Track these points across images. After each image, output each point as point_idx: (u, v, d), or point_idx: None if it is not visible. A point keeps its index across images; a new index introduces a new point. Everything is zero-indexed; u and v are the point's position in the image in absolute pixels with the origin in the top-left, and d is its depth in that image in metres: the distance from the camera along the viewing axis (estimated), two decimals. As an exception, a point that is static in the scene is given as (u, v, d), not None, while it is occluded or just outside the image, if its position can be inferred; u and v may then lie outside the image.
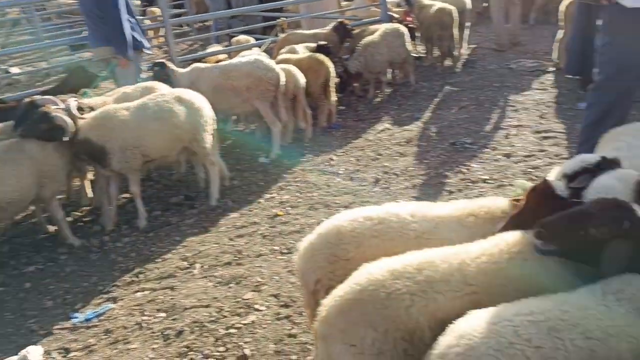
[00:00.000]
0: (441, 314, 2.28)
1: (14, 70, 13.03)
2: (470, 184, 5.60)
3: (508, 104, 7.68)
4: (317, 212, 5.48)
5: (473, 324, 2.09)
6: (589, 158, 2.85)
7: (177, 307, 4.23)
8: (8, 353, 3.91)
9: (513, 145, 6.33)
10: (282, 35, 9.58)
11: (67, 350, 3.92)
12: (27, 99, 5.15)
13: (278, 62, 7.18)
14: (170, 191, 6.42)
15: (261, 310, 4.08)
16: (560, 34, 8.56)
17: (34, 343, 3.98)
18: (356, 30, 9.30)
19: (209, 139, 5.70)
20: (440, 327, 2.22)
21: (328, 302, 2.43)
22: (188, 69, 6.71)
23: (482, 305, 2.24)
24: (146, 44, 7.17)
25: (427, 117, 7.67)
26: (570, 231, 2.30)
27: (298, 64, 7.27)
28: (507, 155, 6.08)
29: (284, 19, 10.85)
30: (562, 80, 8.28)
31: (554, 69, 8.80)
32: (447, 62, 9.73)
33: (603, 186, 2.56)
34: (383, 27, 8.81)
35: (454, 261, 2.41)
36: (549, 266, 2.39)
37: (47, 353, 3.89)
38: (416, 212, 2.88)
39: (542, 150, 6.08)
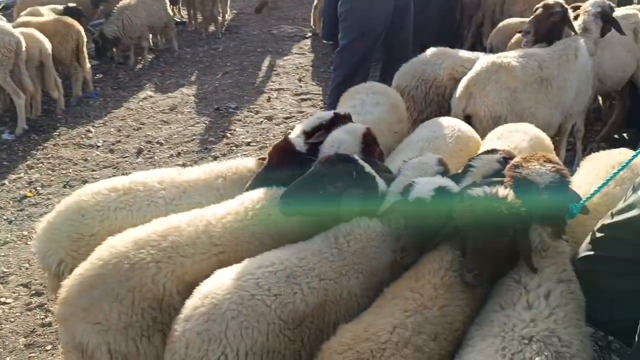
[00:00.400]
0: (189, 278, 2.28)
1: None
2: (234, 147, 5.69)
3: (270, 69, 7.93)
4: (74, 189, 5.00)
5: (217, 282, 2.13)
6: (325, 115, 3.06)
7: None
8: None
9: (274, 108, 6.57)
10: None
11: None
12: None
13: (17, 26, 6.36)
14: None
15: (8, 303, 3.67)
16: (315, 1, 9.03)
17: None
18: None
19: None
20: (189, 290, 2.21)
21: (68, 282, 2.26)
22: None
23: (231, 264, 2.30)
24: None
25: (191, 83, 7.54)
26: (311, 193, 2.45)
27: (42, 27, 6.51)
28: (269, 118, 6.29)
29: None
30: (319, 45, 8.80)
31: (312, 34, 9.29)
32: (211, 28, 9.64)
33: (335, 140, 2.77)
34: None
35: (200, 224, 2.42)
36: (292, 220, 2.52)
37: None
38: (164, 179, 2.81)
39: (300, 112, 6.42)
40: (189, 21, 9.97)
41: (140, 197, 2.70)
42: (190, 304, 2.09)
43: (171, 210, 2.68)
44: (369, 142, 2.82)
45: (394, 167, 2.86)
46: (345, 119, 3.02)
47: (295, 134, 3.07)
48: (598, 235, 2.32)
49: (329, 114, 3.09)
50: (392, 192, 2.63)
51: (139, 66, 8.24)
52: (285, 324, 2.10)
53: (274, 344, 2.06)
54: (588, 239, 2.38)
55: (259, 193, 2.62)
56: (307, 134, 2.96)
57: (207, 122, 6.35)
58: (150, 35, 8.55)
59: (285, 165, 2.72)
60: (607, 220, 2.31)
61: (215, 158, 5.51)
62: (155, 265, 2.23)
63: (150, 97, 7.14)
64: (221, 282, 2.12)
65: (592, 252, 2.32)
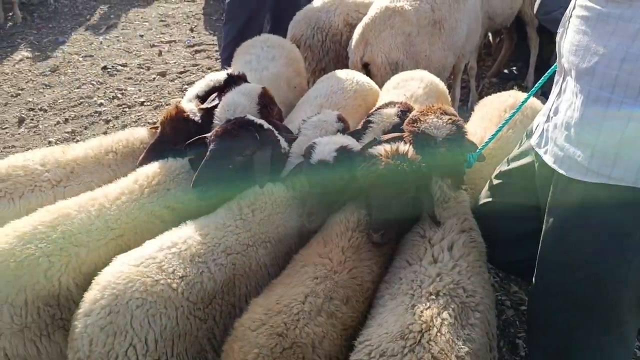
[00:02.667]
0: (87, 268, 2.13)
1: None
2: (127, 109, 5.36)
3: (159, 19, 7.46)
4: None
5: (117, 271, 2.00)
6: (217, 76, 2.90)
7: None
8: None
9: (167, 63, 6.22)
10: None
11: None
12: None
13: None
14: None
15: None
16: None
17: None
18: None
19: None
20: (88, 282, 2.07)
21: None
22: None
23: (131, 248, 2.17)
24: None
25: (72, 41, 6.95)
26: (221, 171, 2.33)
27: None
28: (162, 74, 5.96)
29: None
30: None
31: (200, -21, 8.80)
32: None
33: (230, 104, 2.64)
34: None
35: (92, 208, 2.25)
36: (190, 191, 2.40)
37: None
38: (47, 160, 2.57)
39: (195, 65, 6.13)
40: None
41: (22, 182, 2.46)
42: (90, 296, 1.95)
43: (59, 194, 2.47)
44: (265, 103, 2.72)
45: (294, 127, 2.79)
46: (239, 79, 2.88)
47: (187, 99, 2.89)
48: (495, 182, 2.40)
49: (222, 74, 2.94)
50: (294, 154, 2.57)
51: (10, 24, 7.46)
52: (195, 305, 2.02)
53: (185, 327, 1.99)
54: (486, 186, 2.46)
55: (154, 167, 2.46)
56: (200, 98, 2.80)
57: (94, 82, 5.91)
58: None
59: (179, 134, 2.57)
60: (504, 167, 2.39)
61: (107, 122, 5.17)
62: (47, 260, 2.06)
63: (27, 58, 6.52)
64: (121, 270, 1.99)
65: (490, 199, 2.40)
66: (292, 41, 4.13)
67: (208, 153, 2.34)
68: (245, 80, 2.91)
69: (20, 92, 5.80)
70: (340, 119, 2.69)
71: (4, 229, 2.14)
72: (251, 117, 2.46)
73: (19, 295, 2.01)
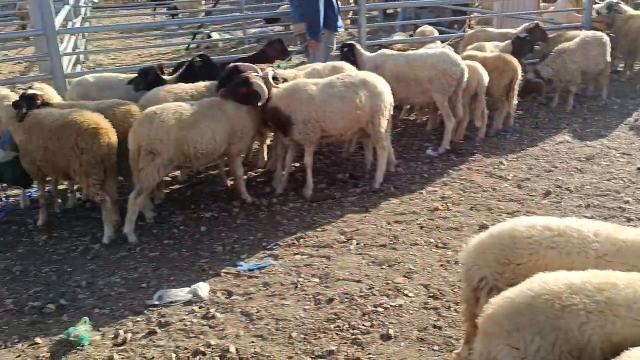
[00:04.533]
0: (617, 339, 2.18)
1: (215, 35, 14.31)
2: (651, 216, 5.13)
3: None
4: (479, 214, 5.39)
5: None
6: None
7: (331, 276, 4.45)
8: (181, 284, 4.42)
9: None
10: (470, 32, 9.39)
11: (230, 294, 4.31)
12: (231, 64, 5.68)
13: (464, 58, 7.08)
14: (337, 168, 6.70)
15: (410, 297, 4.16)
16: None
17: (204, 281, 4.44)
18: (552, 35, 8.81)
19: (385, 124, 5.84)
20: (612, 350, 2.12)
21: (497, 301, 2.43)
22: (375, 53, 6.89)
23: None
24: (340, 24, 7.49)
25: (614, 137, 7.10)
26: None
27: (484, 62, 7.11)
28: None
29: (477, 14, 10.60)
30: None
31: None
32: (649, 80, 8.89)
33: None
34: (583, 35, 8.26)
35: (640, 289, 2.28)
36: None
37: (213, 292, 4.32)
38: (600, 232, 2.74)
39: None
40: (624, 70, 9.39)
41: (573, 243, 2.70)
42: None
43: (601, 265, 2.60)
44: None
45: None
46: None
47: None
48: None
49: None
50: None
51: (561, 109, 8.18)
52: None
53: None
54: None
55: None
56: None
57: (625, 180, 5.90)
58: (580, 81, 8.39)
59: None
60: None
61: (629, 220, 5.08)
62: (586, 315, 2.21)
63: (568, 142, 7.03)
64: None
65: None
66: None
67: None
68: None
69: (553, 169, 6.31)
70: None
71: (556, 274, 2.40)
72: None
73: (552, 333, 2.22)
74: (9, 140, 5.51)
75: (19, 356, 3.69)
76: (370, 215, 5.49)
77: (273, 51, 6.92)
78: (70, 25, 10.97)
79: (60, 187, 6.03)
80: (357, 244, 4.95)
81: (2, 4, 19.47)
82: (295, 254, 4.83)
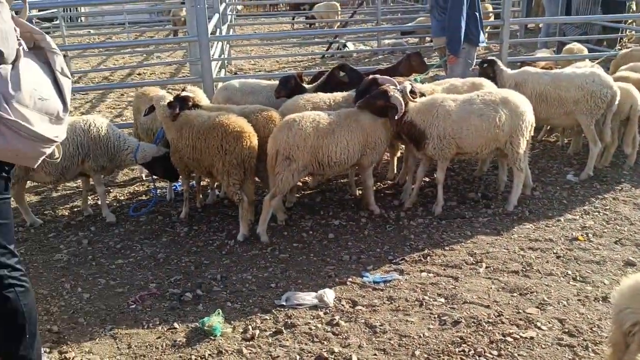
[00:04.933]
0: None
1: (350, 45, 14.58)
2: None
3: None
4: (624, 248, 4.98)
5: None
6: None
7: (457, 297, 4.33)
8: (308, 288, 4.53)
9: None
10: (624, 50, 8.73)
11: (355, 303, 4.35)
12: (370, 76, 5.76)
13: (616, 80, 6.60)
14: (468, 186, 6.53)
15: (542, 330, 3.93)
16: None
17: (329, 287, 4.52)
18: None
19: (523, 145, 5.60)
20: None
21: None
22: (517, 70, 6.64)
23: None
24: (482, 39, 7.31)
25: None
26: None
27: (639, 84, 6.57)
28: None
29: (634, 32, 9.84)
30: None
31: None
32: None
33: None
34: None
35: None
36: None
37: (338, 299, 4.39)
38: None
39: None
40: None
41: None
42: None
43: None
44: None
45: None
46: None
47: None
48: None
49: None
50: None
51: None
52: None
53: None
54: None
55: None
56: None
57: None
58: None
59: None
60: None
61: None
62: None
63: None
64: None
65: None
66: None
67: None
68: None
69: None
70: None
71: None
72: None
73: None
74: (162, 137, 6.01)
75: (159, 337, 3.99)
76: (501, 238, 5.28)
77: (411, 64, 6.91)
78: (217, 32, 11.72)
79: (202, 183, 6.45)
80: (487, 267, 4.79)
81: (158, 11, 21.30)
82: (422, 271, 4.77)
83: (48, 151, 2.90)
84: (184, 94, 5.67)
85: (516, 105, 5.50)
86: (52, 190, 6.88)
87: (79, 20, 24.37)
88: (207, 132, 5.28)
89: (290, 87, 6.31)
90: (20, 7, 3.01)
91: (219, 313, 4.13)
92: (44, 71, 2.89)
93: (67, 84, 2.96)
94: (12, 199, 5.34)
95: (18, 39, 2.79)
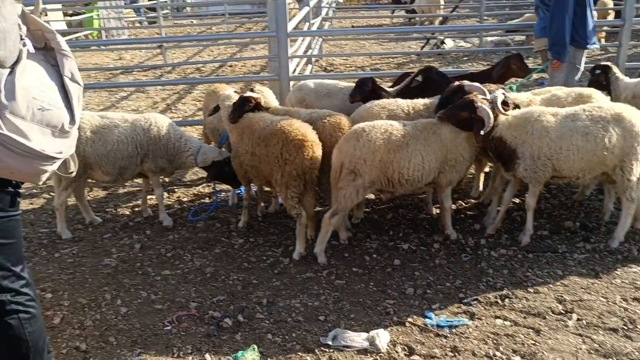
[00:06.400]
0: None
1: (448, 42, 13.66)
2: None
3: None
4: None
5: None
6: None
7: (537, 358, 3.59)
8: (360, 325, 3.97)
9: None
10: None
11: (412, 350, 3.72)
12: (456, 82, 5.05)
13: None
14: (565, 212, 5.64)
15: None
16: None
17: (385, 327, 3.93)
18: None
19: (637, 171, 4.67)
20: None
21: None
22: (637, 79, 5.62)
23: None
24: (594, 41, 6.29)
25: None
26: None
27: None
28: None
29: None
30: None
31: None
32: None
33: None
34: None
35: None
36: None
37: (392, 343, 3.78)
38: None
39: None
40: None
41: None
42: None
43: None
44: None
45: None
46: None
47: None
48: None
49: None
50: None
51: None
52: None
53: None
54: None
55: None
56: None
57: None
58: None
59: None
60: None
61: None
62: None
63: None
64: None
65: None
66: None
67: None
68: None
69: None
70: None
71: None
72: None
73: None
74: (226, 140, 5.66)
75: (187, 368, 3.62)
76: (600, 282, 4.42)
77: (510, 67, 6.08)
78: (306, 26, 11.32)
79: (266, 188, 6.06)
80: (578, 319, 3.98)
81: (259, 2, 21.33)
82: (497, 317, 4.05)
83: (50, 168, 2.55)
84: (247, 94, 5.25)
85: (632, 124, 4.58)
86: (118, 187, 6.78)
87: (185, 11, 25.10)
88: (267, 139, 4.84)
89: (366, 90, 5.73)
90: (33, 2, 2.69)
91: (254, 349, 3.67)
92: (51, 76, 2.53)
93: (76, 92, 2.59)
94: (66, 199, 5.26)
95: (22, 39, 2.45)
